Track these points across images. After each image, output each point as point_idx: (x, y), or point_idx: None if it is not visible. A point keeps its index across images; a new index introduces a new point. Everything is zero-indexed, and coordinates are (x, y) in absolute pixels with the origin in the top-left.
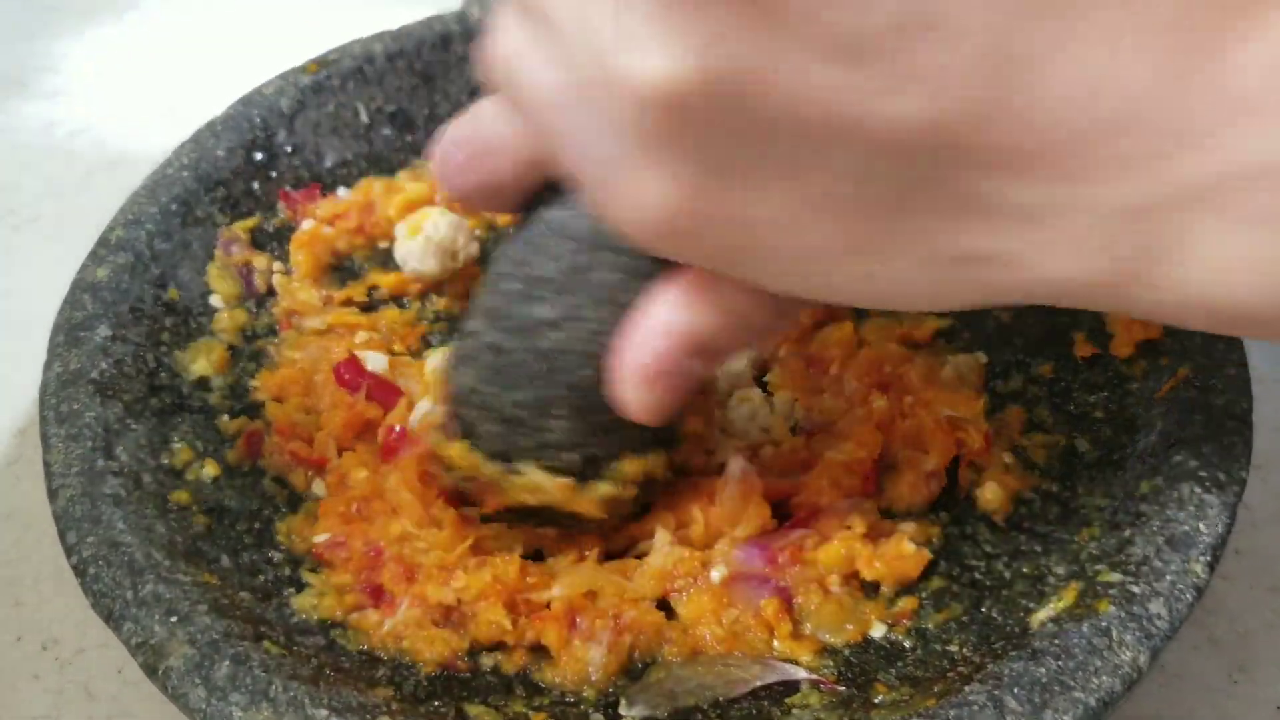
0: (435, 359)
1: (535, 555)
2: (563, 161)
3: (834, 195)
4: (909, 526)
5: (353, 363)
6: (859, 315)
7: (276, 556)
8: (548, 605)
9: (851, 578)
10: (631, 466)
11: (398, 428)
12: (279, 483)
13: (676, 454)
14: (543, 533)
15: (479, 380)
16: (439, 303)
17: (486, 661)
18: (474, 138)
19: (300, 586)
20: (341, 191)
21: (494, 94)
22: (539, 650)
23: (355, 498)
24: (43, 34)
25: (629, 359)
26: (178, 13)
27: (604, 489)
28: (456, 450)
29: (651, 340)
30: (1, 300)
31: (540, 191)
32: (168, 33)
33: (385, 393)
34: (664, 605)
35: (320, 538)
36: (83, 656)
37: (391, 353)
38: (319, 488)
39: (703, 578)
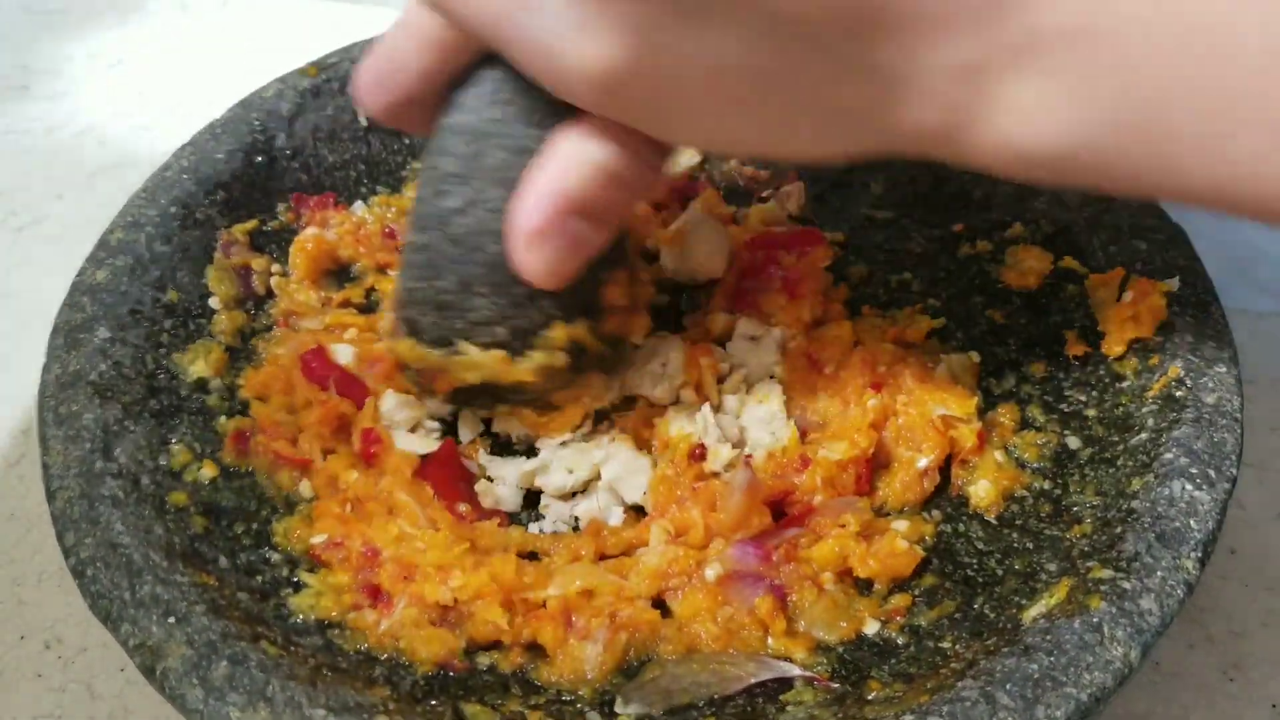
0: None
1: (530, 555)
2: (501, 44)
3: (749, 54)
4: (902, 524)
5: (320, 353)
6: (853, 314)
7: (274, 557)
8: (544, 604)
9: (845, 575)
10: (557, 333)
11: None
12: (275, 483)
13: (604, 324)
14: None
15: (411, 279)
16: None
17: (483, 660)
18: (381, 60)
19: (298, 587)
20: (357, 206)
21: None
22: (535, 649)
23: (349, 498)
24: (46, 37)
25: (516, 224)
26: (180, 15)
27: (536, 357)
28: (404, 346)
29: (532, 204)
30: (6, 301)
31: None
32: (170, 35)
33: (351, 387)
34: (659, 604)
35: (318, 538)
36: (85, 655)
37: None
38: (305, 489)
39: (697, 576)
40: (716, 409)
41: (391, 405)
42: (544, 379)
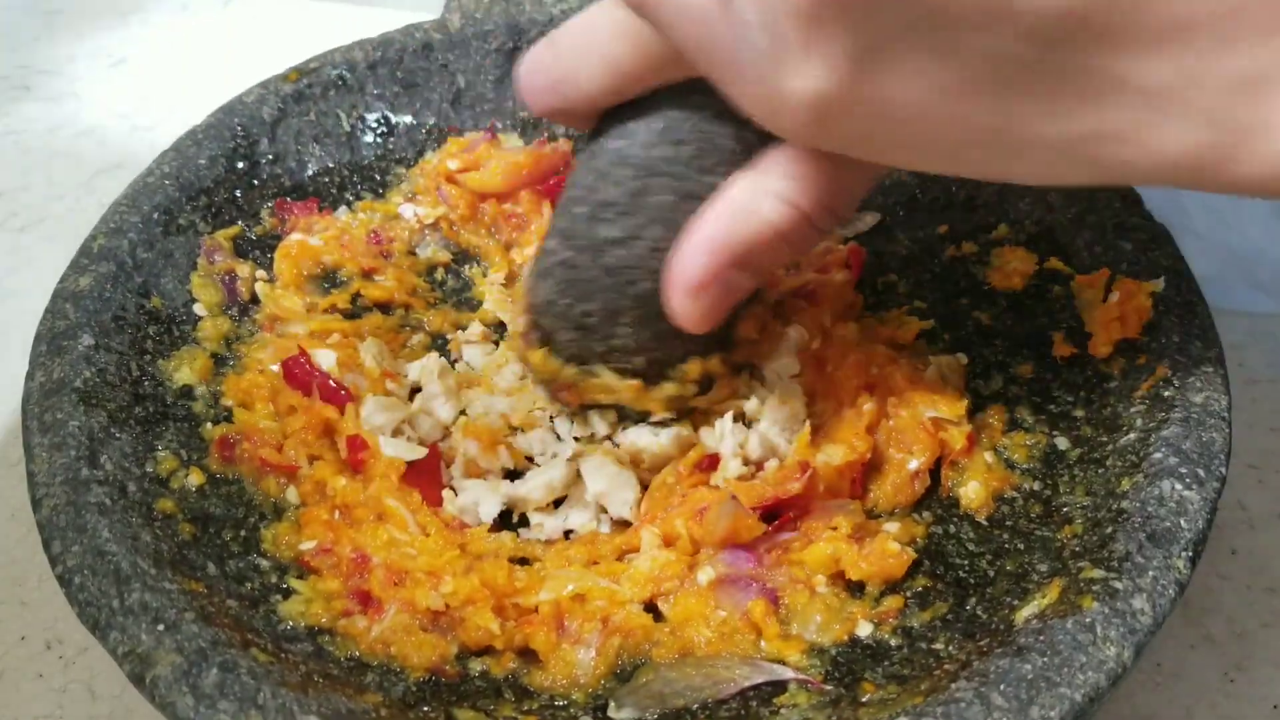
0: (415, 368)
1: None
2: (709, 66)
3: (975, 77)
4: (893, 526)
5: (302, 358)
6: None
7: (263, 564)
8: (535, 609)
9: (838, 578)
10: (693, 368)
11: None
12: (261, 490)
13: (734, 355)
14: None
15: (555, 293)
16: (424, 313)
17: (475, 666)
18: (554, 66)
19: (287, 594)
20: (341, 211)
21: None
22: (527, 654)
23: (336, 504)
24: (46, 38)
25: (677, 272)
26: (181, 16)
27: (669, 389)
28: (538, 357)
29: (697, 255)
30: (6, 301)
31: (602, 120)
32: (170, 37)
33: (333, 393)
34: (652, 608)
35: (307, 545)
36: (86, 656)
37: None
38: (292, 495)
39: (690, 580)
40: (739, 417)
41: (371, 409)
42: (672, 408)
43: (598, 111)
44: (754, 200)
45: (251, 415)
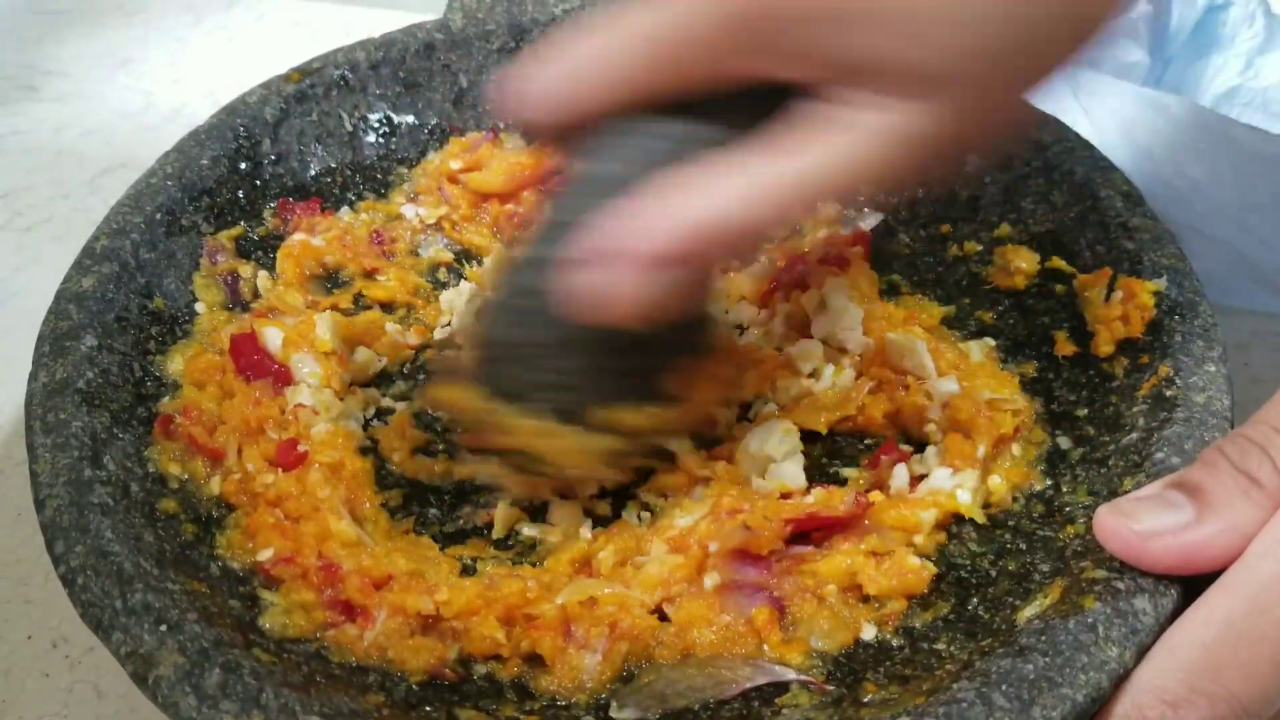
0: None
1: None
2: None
3: None
4: (930, 515)
5: (250, 337)
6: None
7: (215, 569)
8: (541, 616)
9: (851, 590)
10: (634, 418)
11: (300, 446)
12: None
13: (684, 415)
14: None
15: (498, 325)
16: (424, 313)
17: (479, 669)
18: (562, 80)
19: (263, 606)
20: (343, 212)
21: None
22: (533, 659)
23: (269, 500)
24: (52, 38)
25: (636, 234)
26: (186, 16)
27: (605, 441)
28: (469, 395)
29: (669, 221)
30: (13, 300)
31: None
32: (175, 36)
33: (266, 371)
34: (657, 611)
35: (264, 554)
36: (92, 655)
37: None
38: (215, 484)
39: (697, 584)
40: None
41: (305, 396)
42: (592, 462)
43: (584, 127)
44: (749, 203)
45: (200, 395)
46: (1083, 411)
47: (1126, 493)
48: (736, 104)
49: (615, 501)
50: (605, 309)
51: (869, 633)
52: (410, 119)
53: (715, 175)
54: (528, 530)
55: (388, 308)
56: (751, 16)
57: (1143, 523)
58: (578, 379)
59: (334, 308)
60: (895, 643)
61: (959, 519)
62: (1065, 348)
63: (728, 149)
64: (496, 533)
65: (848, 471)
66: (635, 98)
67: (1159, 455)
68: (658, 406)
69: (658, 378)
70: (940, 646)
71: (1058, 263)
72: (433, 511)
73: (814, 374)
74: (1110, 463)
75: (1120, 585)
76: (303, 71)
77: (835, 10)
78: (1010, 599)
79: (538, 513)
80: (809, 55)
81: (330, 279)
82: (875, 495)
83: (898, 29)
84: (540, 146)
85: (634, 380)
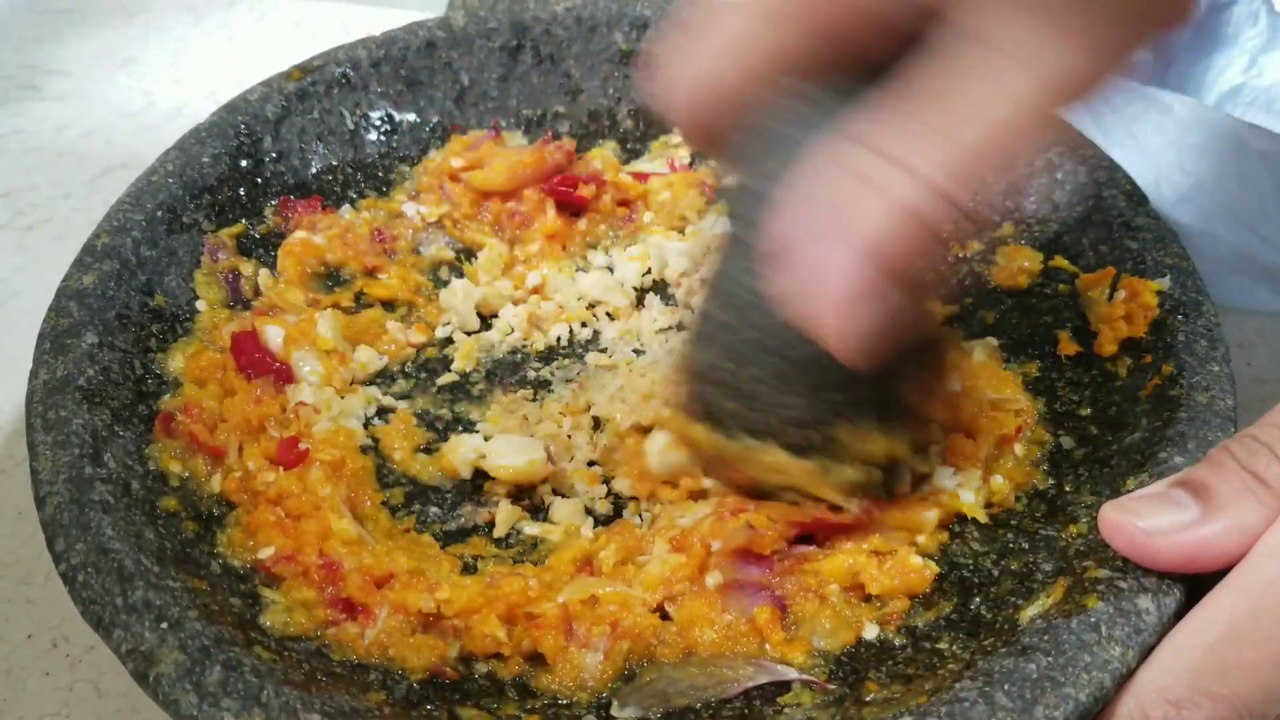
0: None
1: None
2: None
3: None
4: (932, 515)
5: (251, 335)
6: None
7: (216, 567)
8: (543, 615)
9: (853, 589)
10: (877, 447)
11: (301, 444)
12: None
13: (922, 434)
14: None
15: (716, 357)
16: (425, 311)
17: (481, 668)
18: (695, 76)
19: (264, 604)
20: (345, 210)
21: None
22: (535, 658)
23: (270, 498)
24: (53, 38)
25: (821, 284)
26: (187, 16)
27: (848, 473)
28: (699, 432)
29: (836, 256)
30: (14, 300)
31: (744, 151)
32: (176, 36)
33: (268, 369)
34: (658, 609)
35: (265, 552)
36: (93, 654)
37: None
38: (215, 482)
39: (699, 583)
40: None
41: (306, 394)
42: (850, 494)
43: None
44: (925, 208)
45: (201, 392)
46: (1086, 411)
47: (1130, 492)
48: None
49: (616, 500)
50: (844, 341)
51: (871, 632)
52: (412, 117)
53: (894, 157)
54: (529, 529)
55: (389, 306)
56: None
57: (1148, 520)
58: (806, 414)
59: (335, 306)
60: (898, 642)
61: (962, 518)
62: (1068, 347)
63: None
64: (498, 532)
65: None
66: (776, 69)
67: (1162, 455)
68: (900, 428)
69: (899, 396)
70: (943, 646)
71: (1060, 262)
72: (434, 510)
73: None
74: (1113, 462)
75: (1123, 585)
76: (304, 69)
77: None
78: (1013, 598)
79: (539, 511)
80: None
81: (331, 277)
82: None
83: None
84: (701, 154)
85: (878, 403)
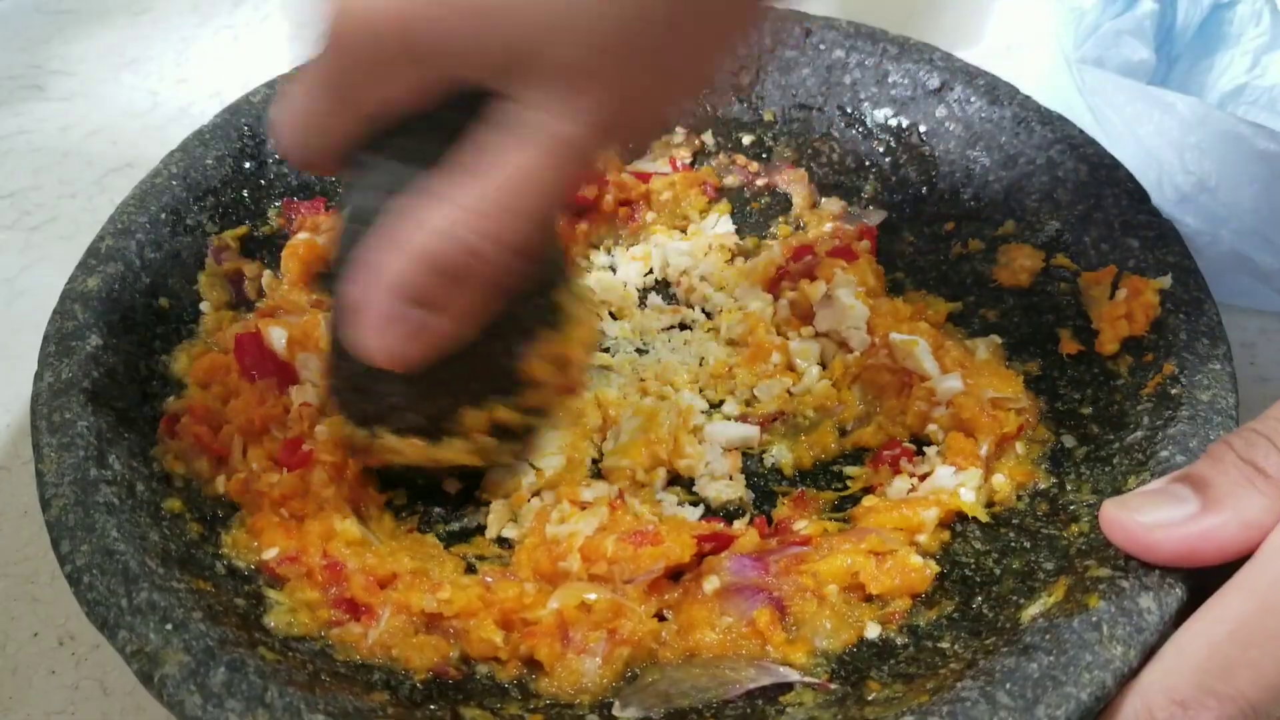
0: None
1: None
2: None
3: None
4: (931, 514)
5: (255, 336)
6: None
7: (220, 567)
8: (539, 621)
9: (853, 589)
10: (473, 418)
11: (304, 446)
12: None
13: (529, 399)
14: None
15: (332, 356)
16: None
17: (481, 669)
18: (298, 123)
19: (268, 605)
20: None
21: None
22: (534, 662)
23: (273, 500)
24: (58, 38)
25: (355, 308)
26: (192, 16)
27: (456, 444)
28: (334, 425)
29: (361, 284)
30: (20, 299)
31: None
32: (181, 36)
33: (271, 370)
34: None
35: (269, 553)
36: (98, 652)
37: None
38: (220, 484)
39: (696, 588)
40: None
41: (309, 395)
42: (481, 459)
43: (337, 161)
44: (450, 236)
45: (205, 394)
46: (1087, 409)
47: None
48: (459, 110)
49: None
50: (377, 356)
51: (873, 631)
52: None
53: (420, 212)
54: (507, 532)
55: None
56: (391, 33)
57: (1147, 515)
58: (406, 400)
59: None
60: (899, 641)
61: (963, 517)
62: (1070, 346)
63: (440, 170)
64: (490, 533)
65: (851, 470)
66: (359, 125)
67: (1164, 453)
68: (521, 395)
69: (511, 368)
70: (944, 645)
71: (1062, 261)
72: (437, 510)
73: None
74: (1115, 461)
75: (1125, 584)
76: None
77: (468, 11)
78: (1014, 597)
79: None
80: (462, 57)
81: (334, 277)
82: (869, 499)
83: (534, 25)
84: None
85: (488, 379)
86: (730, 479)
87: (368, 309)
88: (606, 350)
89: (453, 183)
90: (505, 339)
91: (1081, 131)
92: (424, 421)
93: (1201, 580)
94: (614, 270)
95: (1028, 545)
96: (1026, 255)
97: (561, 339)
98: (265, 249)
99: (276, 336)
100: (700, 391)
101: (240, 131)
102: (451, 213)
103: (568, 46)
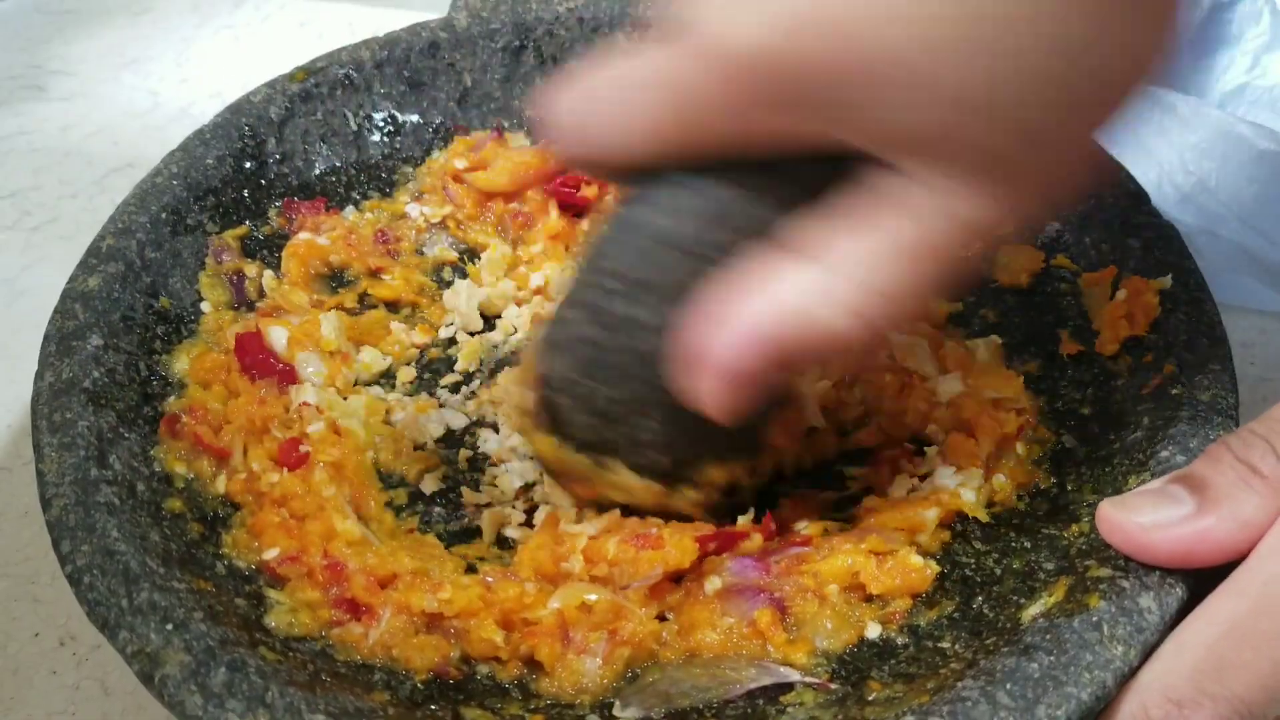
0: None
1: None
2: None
3: None
4: (931, 514)
5: (255, 336)
6: None
7: (220, 567)
8: (540, 621)
9: (854, 589)
10: (717, 473)
11: (302, 447)
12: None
13: (762, 463)
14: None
15: (574, 371)
16: (429, 312)
17: (482, 669)
18: (595, 115)
19: (268, 605)
20: (348, 211)
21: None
22: (535, 662)
23: (275, 499)
24: (59, 38)
25: (716, 352)
26: (192, 16)
27: (690, 495)
28: (546, 444)
29: (744, 342)
30: (20, 299)
31: (638, 182)
32: (182, 36)
33: (272, 370)
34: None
35: (270, 553)
36: (99, 652)
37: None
38: (220, 483)
39: (697, 589)
40: None
41: (309, 395)
42: (698, 512)
43: (631, 170)
44: (818, 307)
45: (206, 394)
46: (1087, 410)
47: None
48: (796, 173)
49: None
50: (712, 410)
51: (873, 631)
52: (415, 118)
53: (772, 279)
54: (508, 532)
55: (393, 307)
56: (760, 71)
57: (1145, 515)
58: (663, 439)
59: (339, 307)
60: (900, 641)
61: (964, 517)
62: (1070, 346)
63: (780, 227)
64: (486, 536)
65: (851, 470)
66: (669, 148)
67: (1164, 454)
68: (750, 458)
69: (751, 434)
70: (945, 645)
71: (1062, 261)
72: (437, 510)
73: None
74: (1115, 461)
75: (1125, 584)
76: (307, 70)
77: (862, 74)
78: (1015, 597)
79: (529, 513)
80: (840, 119)
81: (335, 278)
82: (870, 500)
83: (927, 102)
84: (597, 179)
85: (739, 437)
86: None
87: (714, 361)
88: None
89: (824, 241)
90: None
91: None
92: (669, 465)
93: (1202, 580)
94: None
95: (1028, 545)
96: (1026, 255)
97: (790, 412)
98: (266, 249)
99: (277, 336)
100: None
101: (241, 131)
102: (824, 280)
103: (983, 131)
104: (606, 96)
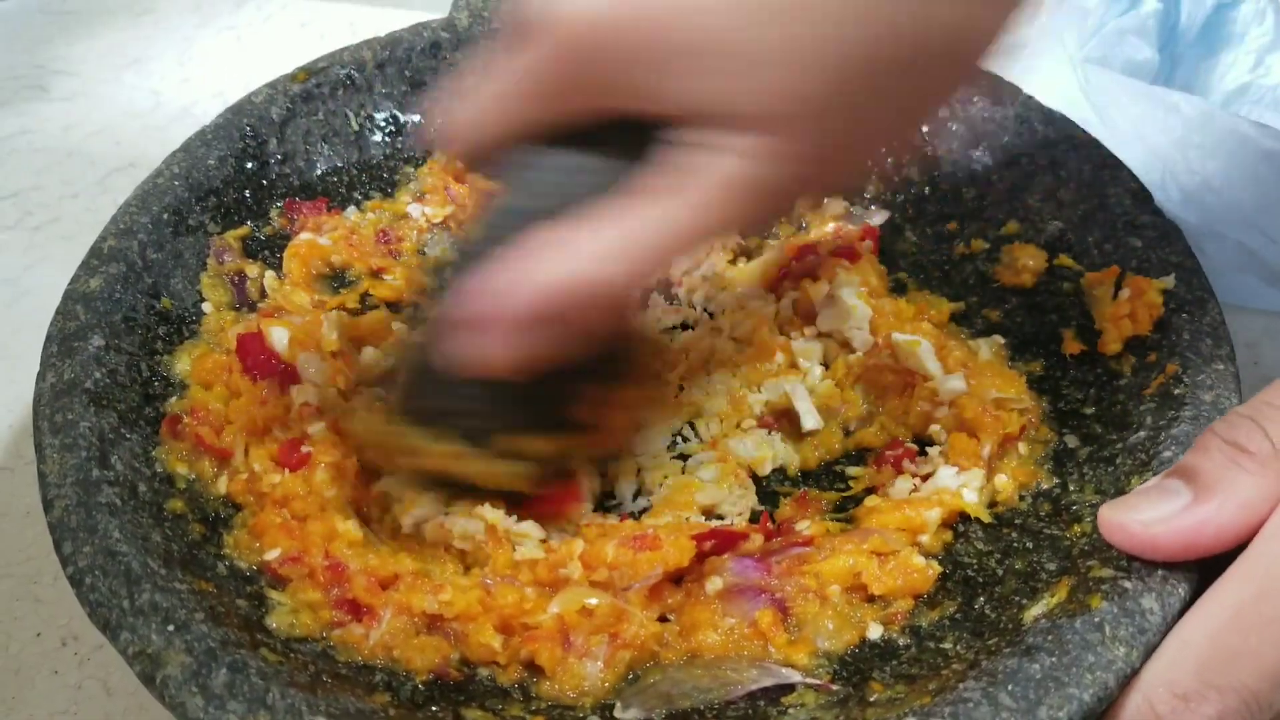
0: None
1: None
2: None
3: None
4: (934, 514)
5: (257, 337)
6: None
7: (222, 568)
8: (540, 625)
9: (855, 590)
10: (540, 446)
11: (304, 447)
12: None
13: (572, 443)
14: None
15: (415, 351)
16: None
17: (482, 672)
18: (465, 119)
19: (269, 605)
20: (350, 211)
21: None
22: (535, 665)
23: (276, 500)
24: (61, 38)
25: (498, 300)
26: (194, 16)
27: (514, 468)
28: (372, 421)
29: (528, 288)
30: (23, 299)
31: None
32: (183, 36)
33: (273, 371)
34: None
35: (271, 554)
36: (101, 653)
37: None
38: (222, 484)
39: (698, 589)
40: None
41: (311, 395)
42: (520, 485)
43: (497, 158)
44: (593, 267)
45: (207, 395)
46: (1090, 410)
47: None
48: (627, 134)
49: None
50: (480, 368)
51: (875, 632)
52: (416, 118)
53: (572, 237)
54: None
55: (394, 307)
56: (583, 58)
57: (1143, 513)
58: (485, 406)
59: (340, 307)
60: (902, 642)
61: (966, 518)
62: (1073, 346)
63: (605, 193)
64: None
65: (854, 470)
66: (529, 128)
67: (1167, 454)
68: (565, 434)
69: (567, 406)
70: (947, 646)
71: (1065, 261)
72: None
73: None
74: (1118, 461)
75: (1127, 584)
76: (309, 71)
77: (662, 50)
78: (1017, 598)
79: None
80: (647, 94)
81: (337, 278)
82: (872, 500)
83: (724, 71)
84: (470, 172)
85: (542, 409)
86: (742, 489)
87: (496, 321)
88: None
89: (610, 214)
90: (573, 376)
91: (1084, 131)
92: (485, 434)
93: (1207, 578)
94: None
95: (1030, 546)
96: (1029, 255)
97: (620, 391)
98: (267, 249)
99: (278, 337)
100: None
101: (242, 132)
102: (603, 243)
103: (765, 96)
104: (467, 93)
